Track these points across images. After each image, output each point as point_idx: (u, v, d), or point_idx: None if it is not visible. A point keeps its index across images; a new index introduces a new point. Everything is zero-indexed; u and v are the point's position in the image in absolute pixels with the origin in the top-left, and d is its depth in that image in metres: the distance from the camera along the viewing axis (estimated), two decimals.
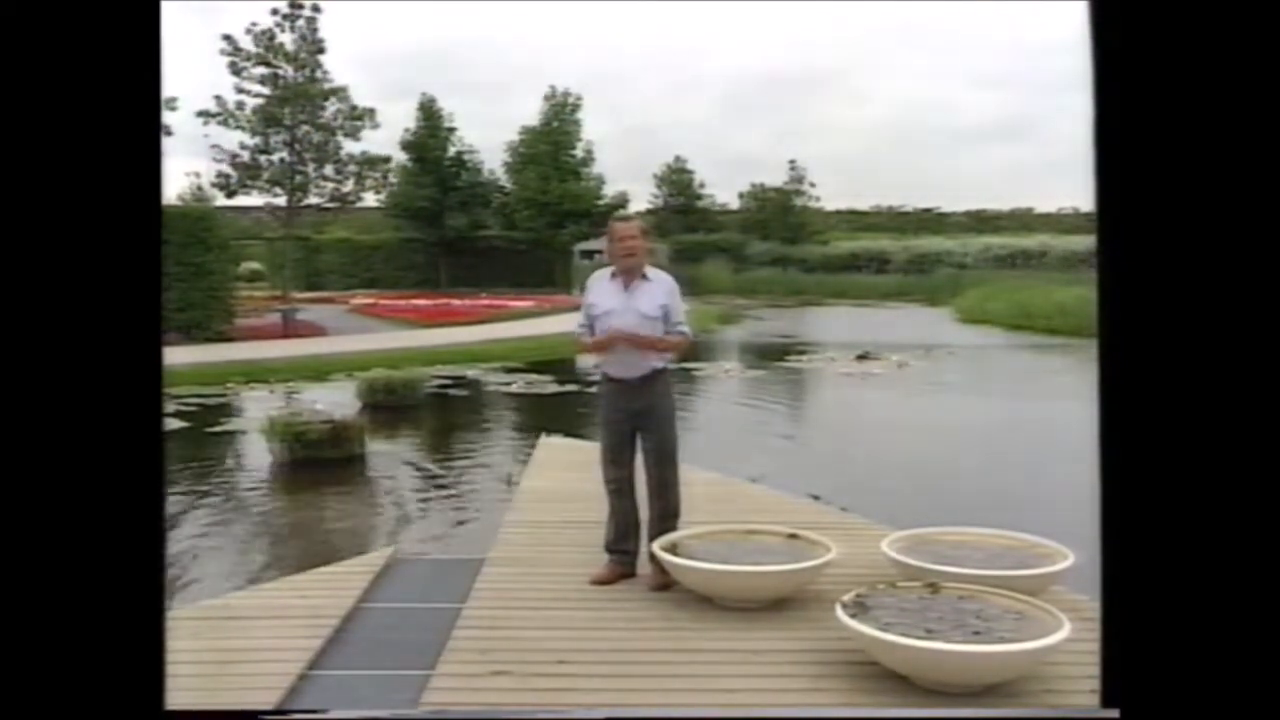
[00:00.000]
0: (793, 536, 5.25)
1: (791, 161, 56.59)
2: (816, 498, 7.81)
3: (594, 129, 70.24)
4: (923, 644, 3.79)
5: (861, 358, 19.67)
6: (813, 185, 56.46)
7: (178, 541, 7.61)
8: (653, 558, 5.07)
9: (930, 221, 63.44)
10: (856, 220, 65.49)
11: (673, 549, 5.02)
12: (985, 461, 10.74)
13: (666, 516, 5.24)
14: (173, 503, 8.86)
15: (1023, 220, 60.81)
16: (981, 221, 62.07)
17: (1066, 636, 3.77)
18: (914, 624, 3.98)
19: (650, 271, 5.24)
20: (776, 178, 56.95)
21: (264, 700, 3.90)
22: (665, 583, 5.03)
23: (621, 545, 5.29)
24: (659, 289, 5.19)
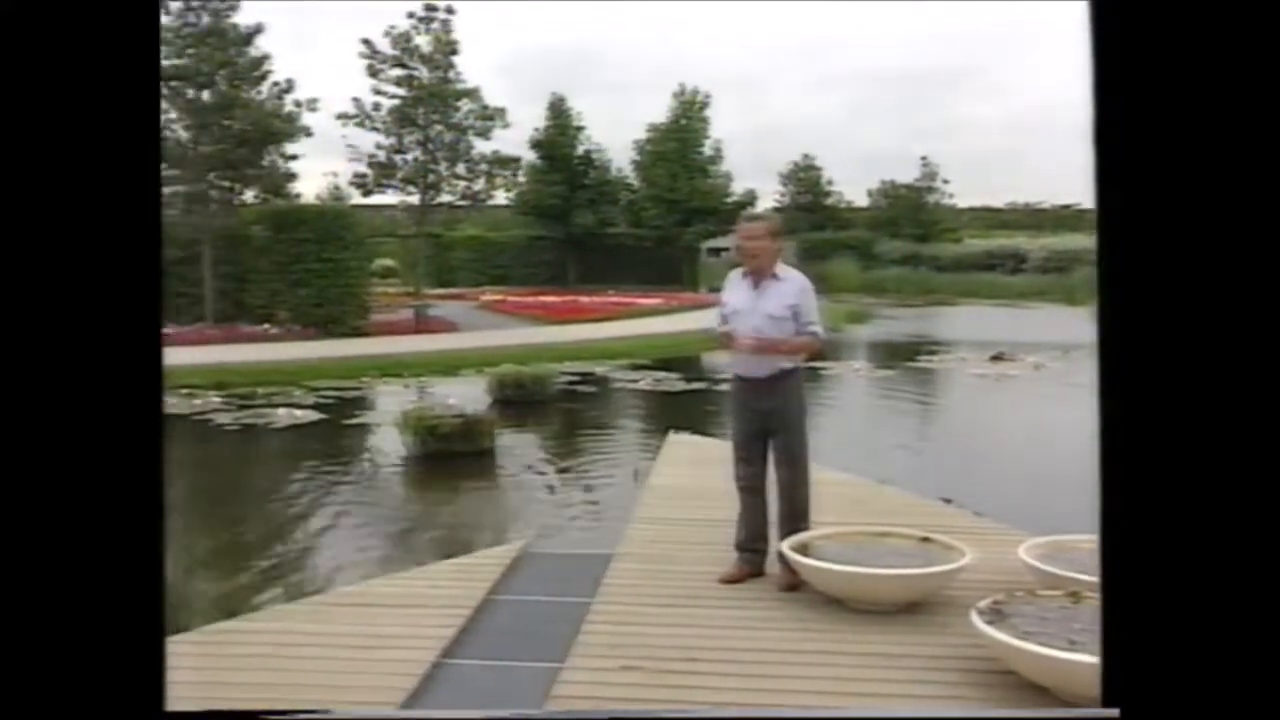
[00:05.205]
0: (926, 540, 5.14)
1: (923, 158, 55.36)
2: (948, 501, 7.62)
3: (724, 128, 70.07)
4: (1068, 655, 3.66)
5: (995, 358, 19.11)
6: (946, 182, 55.15)
7: (313, 529, 7.89)
8: (782, 558, 5.02)
9: (1069, 218, 61.27)
10: (991, 218, 63.83)
11: (803, 550, 4.96)
12: None
13: (794, 517, 5.18)
14: (311, 490, 9.17)
15: None
16: None
17: None
18: (1056, 634, 3.84)
19: (782, 271, 5.19)
20: (907, 175, 55.84)
21: (399, 686, 4.00)
22: (794, 583, 4.98)
23: (752, 544, 5.25)
24: (789, 289, 5.13)
